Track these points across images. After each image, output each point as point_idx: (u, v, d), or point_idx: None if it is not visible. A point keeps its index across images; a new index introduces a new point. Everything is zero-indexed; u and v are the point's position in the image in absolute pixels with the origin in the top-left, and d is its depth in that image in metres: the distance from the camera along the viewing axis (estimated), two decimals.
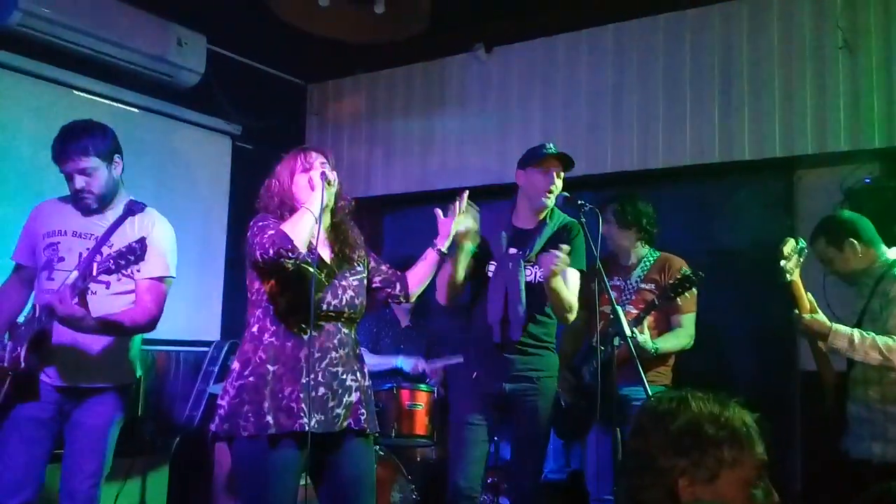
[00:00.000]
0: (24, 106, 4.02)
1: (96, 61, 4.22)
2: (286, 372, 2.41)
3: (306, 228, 2.39)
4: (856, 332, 2.78)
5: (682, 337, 3.48)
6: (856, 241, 2.96)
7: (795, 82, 3.98)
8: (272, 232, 2.37)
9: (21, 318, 2.86)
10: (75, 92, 4.22)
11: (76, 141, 2.79)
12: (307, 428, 2.37)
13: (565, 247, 2.94)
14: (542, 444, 3.13)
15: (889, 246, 3.02)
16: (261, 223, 2.46)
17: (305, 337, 2.44)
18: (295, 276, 2.44)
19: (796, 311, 2.90)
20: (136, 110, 4.49)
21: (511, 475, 3.24)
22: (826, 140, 3.90)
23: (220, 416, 2.42)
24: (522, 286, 3.05)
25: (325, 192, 2.48)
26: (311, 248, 2.42)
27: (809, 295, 2.93)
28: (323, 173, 2.50)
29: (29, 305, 2.86)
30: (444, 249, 2.76)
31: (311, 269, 2.42)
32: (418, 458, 4.12)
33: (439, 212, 2.80)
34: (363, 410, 2.53)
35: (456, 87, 5.05)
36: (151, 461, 4.04)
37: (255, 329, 2.46)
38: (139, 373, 3.01)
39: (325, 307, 2.48)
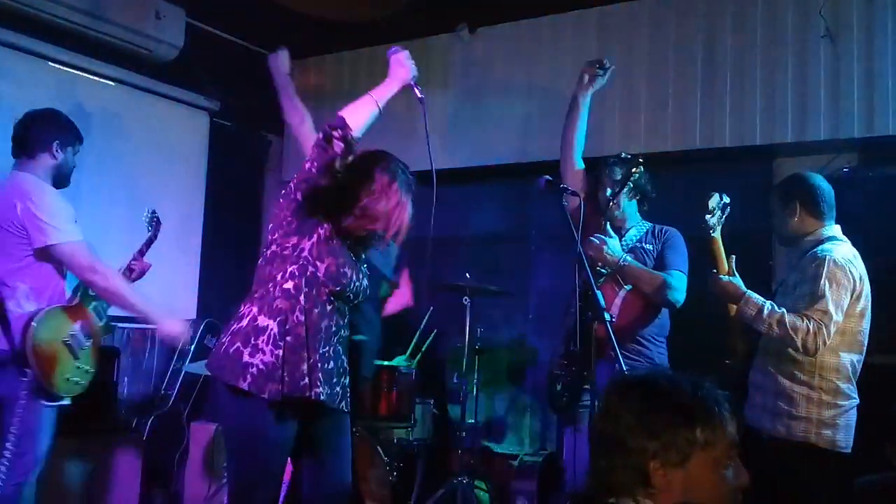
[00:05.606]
0: None
1: (72, 33, 4.12)
2: (310, 338, 2.36)
3: (366, 115, 2.43)
4: (767, 304, 2.73)
5: (659, 276, 3.19)
6: (800, 206, 2.87)
7: (777, 70, 4.00)
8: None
9: None
10: (51, 63, 4.13)
11: None
12: (322, 397, 2.34)
13: None
14: None
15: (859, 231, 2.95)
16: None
17: (329, 308, 2.41)
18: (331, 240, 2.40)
19: (714, 271, 2.84)
20: (112, 84, 4.40)
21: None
22: (806, 129, 3.92)
23: (252, 374, 2.28)
24: None
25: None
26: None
27: (732, 259, 2.88)
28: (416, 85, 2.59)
29: None
30: None
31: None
32: (395, 440, 4.12)
33: None
34: (349, 394, 2.54)
35: (439, 68, 4.99)
36: (125, 440, 4.00)
37: (288, 286, 2.36)
38: None
39: (351, 285, 2.45)
